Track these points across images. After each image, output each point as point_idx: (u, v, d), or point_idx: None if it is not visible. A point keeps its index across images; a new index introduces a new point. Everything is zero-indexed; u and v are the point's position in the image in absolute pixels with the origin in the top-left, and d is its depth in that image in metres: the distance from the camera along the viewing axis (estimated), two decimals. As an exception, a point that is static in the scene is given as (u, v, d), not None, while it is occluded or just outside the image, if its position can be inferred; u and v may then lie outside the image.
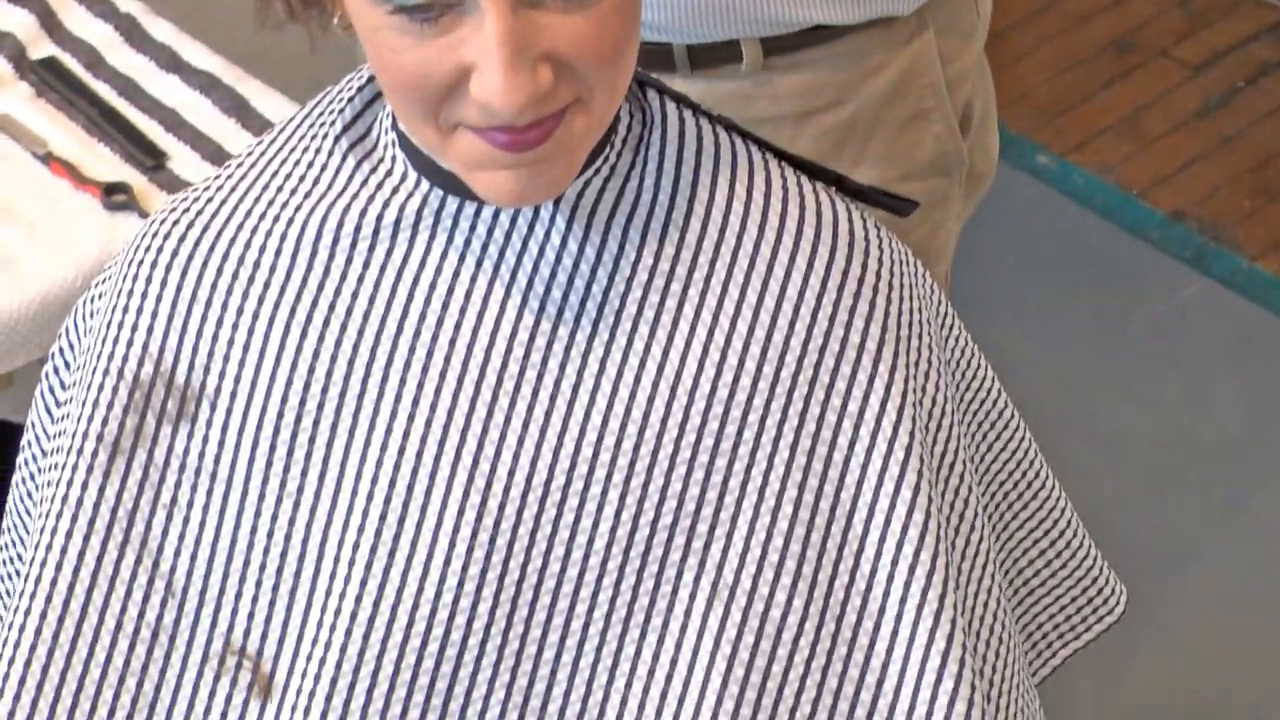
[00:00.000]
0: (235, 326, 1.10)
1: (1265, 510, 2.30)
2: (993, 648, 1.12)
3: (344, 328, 1.09)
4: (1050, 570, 1.27)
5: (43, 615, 1.09)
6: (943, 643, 1.07)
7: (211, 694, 1.10)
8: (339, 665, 1.06)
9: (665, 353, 1.08)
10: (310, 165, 1.12)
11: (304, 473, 1.09)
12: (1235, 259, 2.62)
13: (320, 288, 1.09)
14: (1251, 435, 2.38)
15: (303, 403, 1.09)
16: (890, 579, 1.07)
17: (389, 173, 1.10)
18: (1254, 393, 2.44)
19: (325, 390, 1.08)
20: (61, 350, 1.19)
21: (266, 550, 1.09)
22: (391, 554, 1.06)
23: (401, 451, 1.07)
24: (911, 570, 1.07)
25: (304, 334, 1.09)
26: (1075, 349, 2.50)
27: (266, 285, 1.10)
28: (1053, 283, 2.60)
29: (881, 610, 1.07)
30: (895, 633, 1.07)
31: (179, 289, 1.11)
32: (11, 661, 1.09)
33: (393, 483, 1.07)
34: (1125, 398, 2.44)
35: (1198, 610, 2.19)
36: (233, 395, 1.10)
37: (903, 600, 1.07)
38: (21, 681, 1.09)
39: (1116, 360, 2.49)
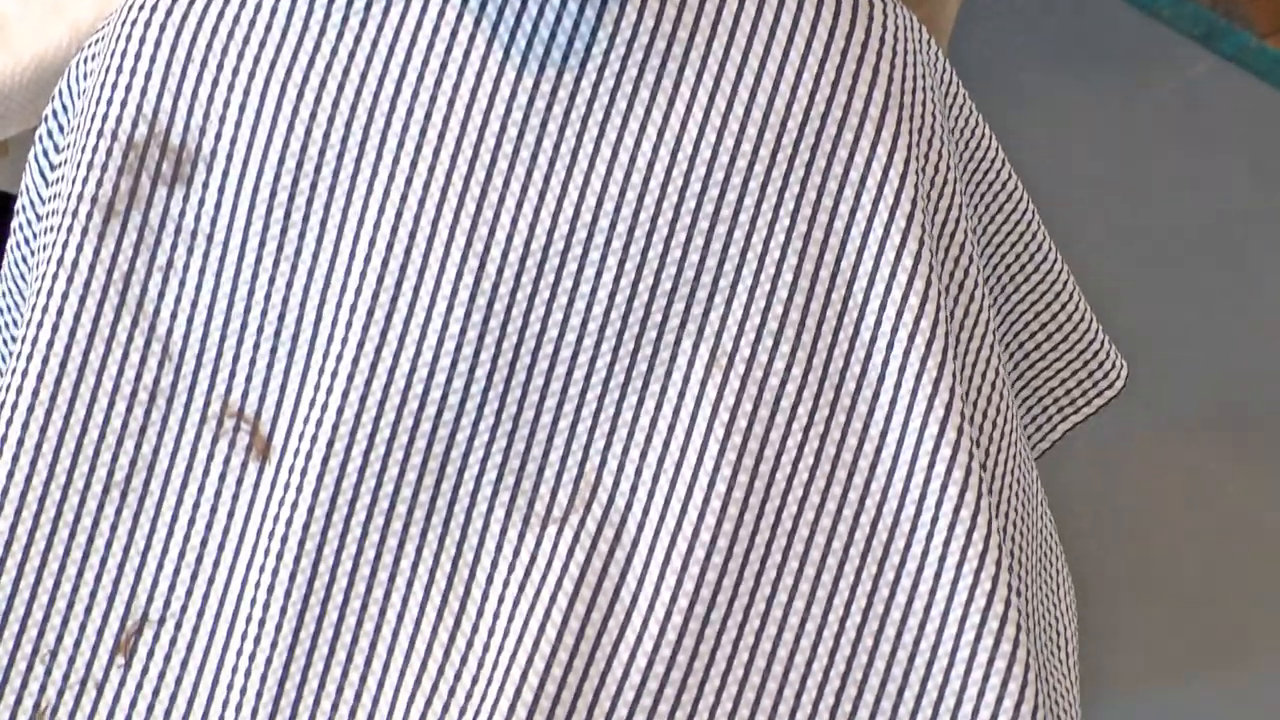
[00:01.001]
0: (231, 87, 1.09)
1: (1272, 286, 2.29)
2: (990, 418, 1.12)
3: (341, 87, 1.07)
4: (1051, 343, 1.27)
5: (40, 376, 1.09)
6: (941, 410, 1.07)
7: (210, 456, 1.10)
8: (336, 427, 1.06)
9: (665, 117, 1.06)
10: None
11: (301, 234, 1.08)
12: (1245, 36, 2.59)
13: (317, 46, 1.08)
14: (1260, 212, 2.37)
15: (299, 164, 1.08)
16: (890, 346, 1.07)
17: None
18: (1261, 171, 2.42)
19: (322, 151, 1.07)
20: (55, 112, 1.17)
21: (264, 312, 1.09)
22: (390, 314, 1.06)
23: (400, 211, 1.06)
24: (911, 338, 1.07)
25: (300, 94, 1.08)
26: (1079, 130, 2.48)
27: (262, 44, 1.08)
28: (1056, 62, 2.57)
29: (880, 377, 1.07)
30: (894, 400, 1.07)
31: (173, 49, 1.10)
32: (9, 423, 1.09)
33: (391, 243, 1.06)
34: (1131, 178, 2.42)
35: (1198, 391, 2.19)
36: (229, 157, 1.08)
37: (902, 368, 1.07)
38: (20, 442, 1.09)
39: (1121, 141, 2.47)
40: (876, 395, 1.07)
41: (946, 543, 1.07)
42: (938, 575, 1.07)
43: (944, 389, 1.07)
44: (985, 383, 1.12)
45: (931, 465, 1.07)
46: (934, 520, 1.07)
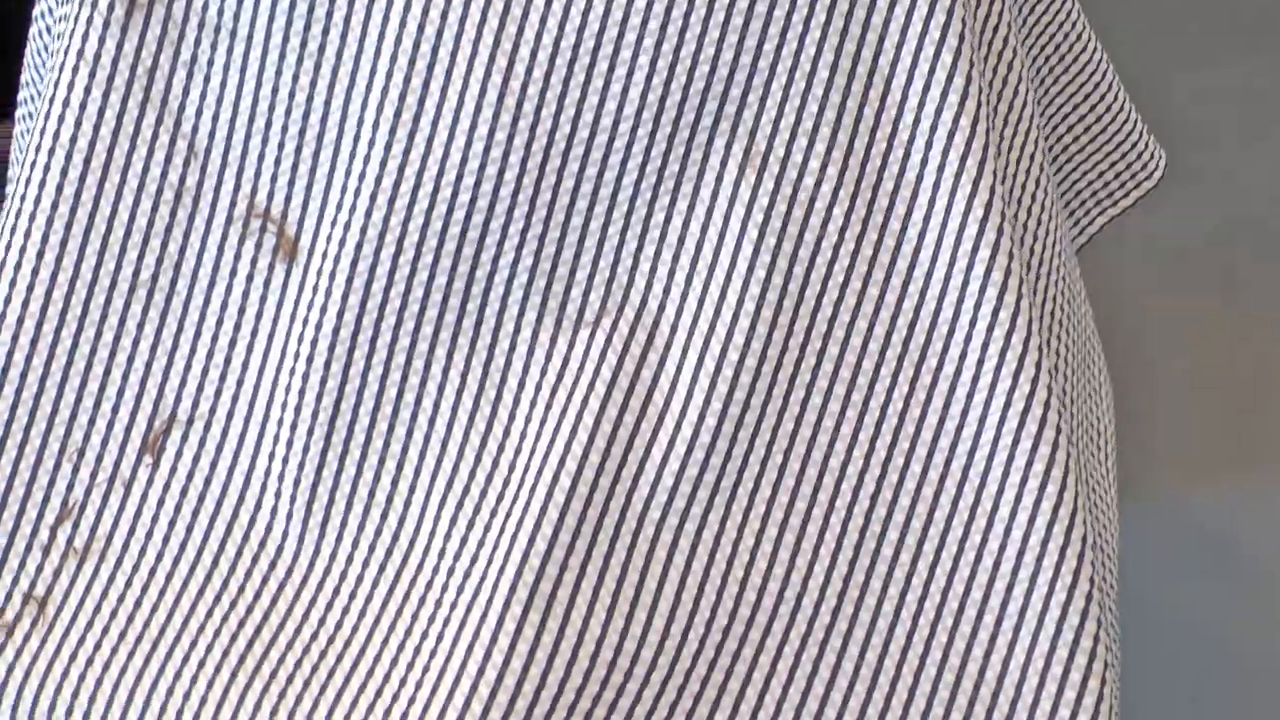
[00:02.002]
0: None
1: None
2: (1034, 215, 1.10)
3: None
4: (1090, 135, 1.24)
5: (63, 172, 1.07)
6: (980, 210, 1.05)
7: (236, 256, 1.08)
8: (365, 229, 1.05)
9: None
10: None
11: (325, 32, 1.05)
12: None
13: None
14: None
15: None
16: (929, 144, 1.05)
17: None
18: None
19: None
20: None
21: (288, 111, 1.07)
22: (417, 115, 1.04)
23: (426, 9, 1.04)
24: (951, 135, 1.05)
25: None
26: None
27: None
28: None
29: (919, 176, 1.05)
30: (933, 199, 1.05)
31: None
32: (33, 218, 1.07)
33: (418, 41, 1.04)
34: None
35: (1235, 163, 2.16)
36: None
37: (941, 166, 1.05)
38: (45, 239, 1.07)
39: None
40: (915, 194, 1.05)
41: (985, 344, 1.05)
42: (976, 375, 1.05)
43: (984, 188, 1.05)
44: (1030, 179, 1.10)
45: (970, 266, 1.05)
46: (973, 321, 1.05)
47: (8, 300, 1.08)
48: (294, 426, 1.07)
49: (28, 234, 1.08)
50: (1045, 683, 1.04)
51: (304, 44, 1.06)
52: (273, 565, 1.07)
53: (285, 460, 1.07)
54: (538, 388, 1.06)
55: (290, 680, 1.04)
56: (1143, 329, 1.89)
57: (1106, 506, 1.16)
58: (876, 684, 1.05)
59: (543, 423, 1.06)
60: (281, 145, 1.07)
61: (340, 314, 1.06)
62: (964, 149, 1.05)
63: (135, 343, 1.09)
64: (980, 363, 1.05)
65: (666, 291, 1.06)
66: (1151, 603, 1.61)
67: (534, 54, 1.03)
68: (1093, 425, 1.17)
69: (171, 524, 1.09)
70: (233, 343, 1.09)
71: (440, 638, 1.03)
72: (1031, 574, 1.05)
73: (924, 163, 1.05)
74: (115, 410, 1.09)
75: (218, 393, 1.09)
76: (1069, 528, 1.05)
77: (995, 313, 1.05)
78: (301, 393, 1.07)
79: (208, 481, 1.09)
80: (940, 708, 1.05)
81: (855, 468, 1.06)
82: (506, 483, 1.06)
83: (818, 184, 1.05)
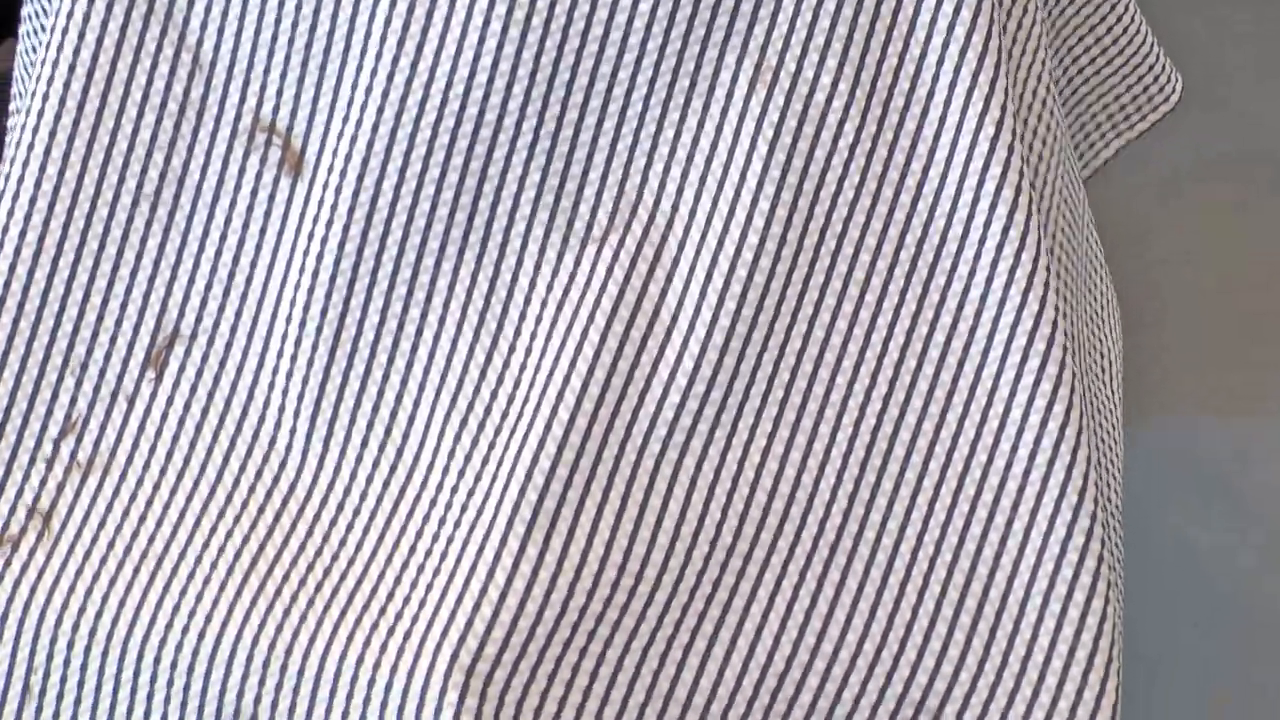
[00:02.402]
0: None
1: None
2: (1039, 135, 1.09)
3: None
4: (1106, 57, 1.23)
5: (67, 86, 1.06)
6: (992, 128, 1.04)
7: (241, 170, 1.08)
8: (371, 143, 1.04)
9: None
10: None
11: None
12: None
13: None
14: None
15: None
16: (940, 61, 1.04)
17: None
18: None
19: None
20: None
21: (294, 25, 1.06)
22: (425, 26, 1.03)
23: None
24: (962, 53, 1.04)
25: None
26: None
27: None
28: None
29: (930, 93, 1.04)
30: (943, 117, 1.04)
31: None
32: (36, 130, 1.07)
33: None
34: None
35: (1251, 98, 2.15)
36: None
37: (952, 84, 1.04)
38: (48, 151, 1.07)
39: None
40: (925, 112, 1.04)
41: (995, 263, 1.05)
42: (984, 297, 1.05)
43: (995, 106, 1.04)
44: (1036, 100, 1.09)
45: (981, 184, 1.04)
46: (982, 240, 1.05)
47: (10, 214, 1.08)
48: (298, 343, 1.07)
49: (31, 148, 1.07)
50: (1048, 604, 1.04)
51: None
52: (275, 482, 1.07)
53: (289, 376, 1.07)
54: (543, 305, 1.06)
55: (294, 599, 1.04)
56: (1153, 256, 1.88)
57: (1111, 429, 1.16)
58: (875, 614, 1.04)
59: (546, 345, 1.05)
60: (287, 58, 1.06)
61: (346, 228, 1.05)
62: (975, 67, 1.04)
63: (139, 257, 1.09)
64: (989, 283, 1.05)
65: (675, 209, 1.05)
66: (1155, 529, 1.60)
67: None
68: (1095, 348, 1.17)
69: (175, 439, 1.08)
70: (237, 258, 1.09)
71: (442, 559, 1.03)
72: (1035, 496, 1.05)
73: (935, 79, 1.04)
74: (118, 325, 1.09)
75: (221, 308, 1.09)
76: (1073, 449, 1.04)
77: (1005, 231, 1.04)
78: (306, 308, 1.06)
79: (210, 397, 1.08)
80: (941, 634, 1.04)
81: (858, 399, 1.05)
82: (510, 405, 1.05)
83: (828, 100, 1.04)
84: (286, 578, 1.05)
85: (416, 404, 1.06)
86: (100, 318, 1.08)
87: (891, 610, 1.05)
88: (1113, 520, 1.10)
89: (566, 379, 1.03)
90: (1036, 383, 1.05)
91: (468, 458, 1.05)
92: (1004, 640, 1.04)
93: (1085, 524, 1.04)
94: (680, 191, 1.05)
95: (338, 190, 1.05)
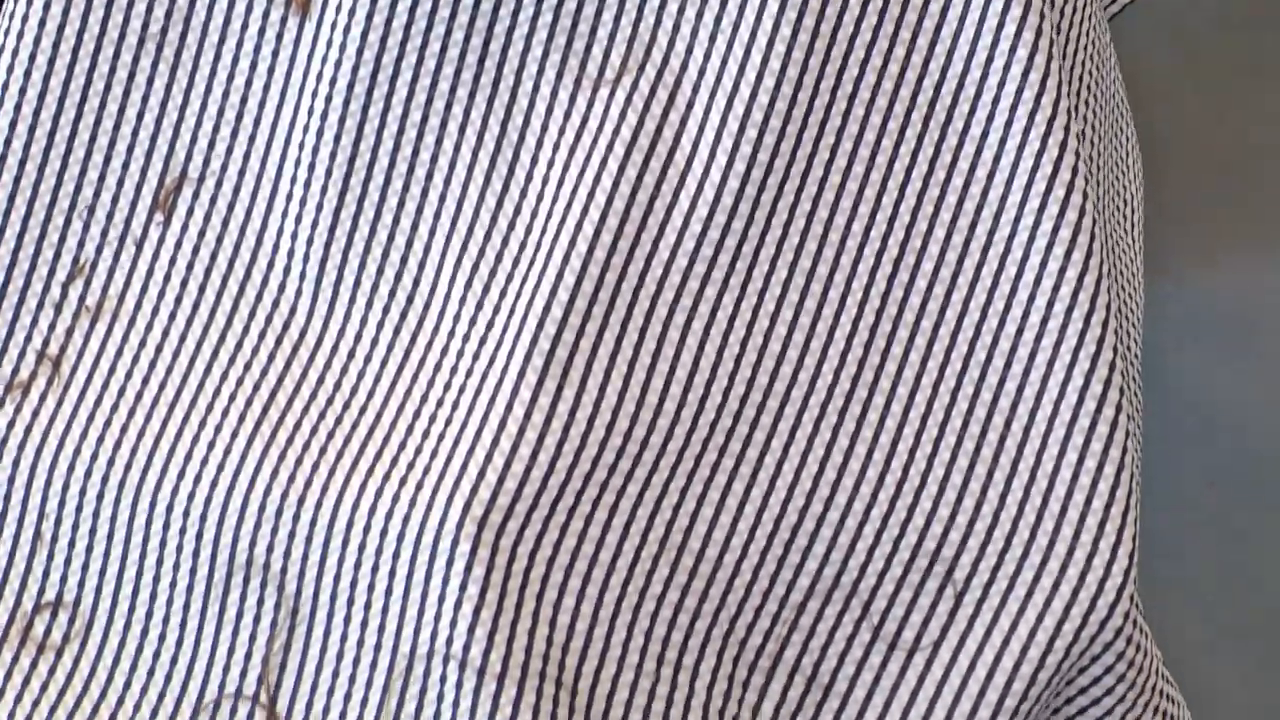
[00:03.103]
0: None
1: None
2: None
3: None
4: None
5: None
6: None
7: (248, 9, 1.06)
8: None
9: None
10: None
11: None
12: None
13: None
14: None
15: None
16: None
17: None
18: None
19: None
20: None
21: None
22: None
23: None
24: None
25: None
26: None
27: None
28: None
29: None
30: None
31: None
32: None
33: None
34: None
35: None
36: None
37: None
38: (46, 6, 1.06)
39: None
40: None
41: (1014, 107, 1.03)
42: (1004, 138, 1.03)
43: None
44: None
45: (1001, 27, 1.02)
46: (1001, 84, 1.03)
47: (15, 56, 1.06)
48: (307, 184, 1.05)
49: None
50: (1066, 451, 1.03)
51: None
52: (285, 328, 1.06)
53: (299, 219, 1.06)
54: (556, 145, 1.04)
55: (305, 448, 1.03)
56: (1171, 108, 1.86)
57: (1132, 276, 1.14)
58: (894, 454, 1.03)
59: (561, 181, 1.04)
60: None
61: (355, 69, 1.04)
62: None
63: (144, 99, 1.07)
64: (1008, 124, 1.03)
65: (689, 50, 1.04)
66: (1171, 383, 1.59)
67: None
68: (1119, 194, 1.15)
69: (184, 284, 1.07)
70: (244, 99, 1.07)
71: (457, 402, 1.02)
72: (1054, 342, 1.03)
73: None
74: (125, 168, 1.07)
75: (229, 150, 1.07)
76: (1093, 296, 1.03)
77: (1025, 74, 1.03)
78: (315, 149, 1.05)
79: (220, 241, 1.07)
80: (959, 477, 1.04)
81: (877, 236, 1.04)
82: (524, 242, 1.04)
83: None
84: (298, 426, 1.04)
85: (428, 247, 1.05)
86: (107, 160, 1.07)
87: (909, 453, 1.04)
88: (1132, 369, 1.09)
89: (581, 215, 1.02)
90: (1056, 227, 1.03)
91: (480, 298, 1.04)
92: (1020, 487, 1.03)
93: (1104, 372, 1.03)
94: (695, 33, 1.03)
95: (346, 30, 1.03)
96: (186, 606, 1.03)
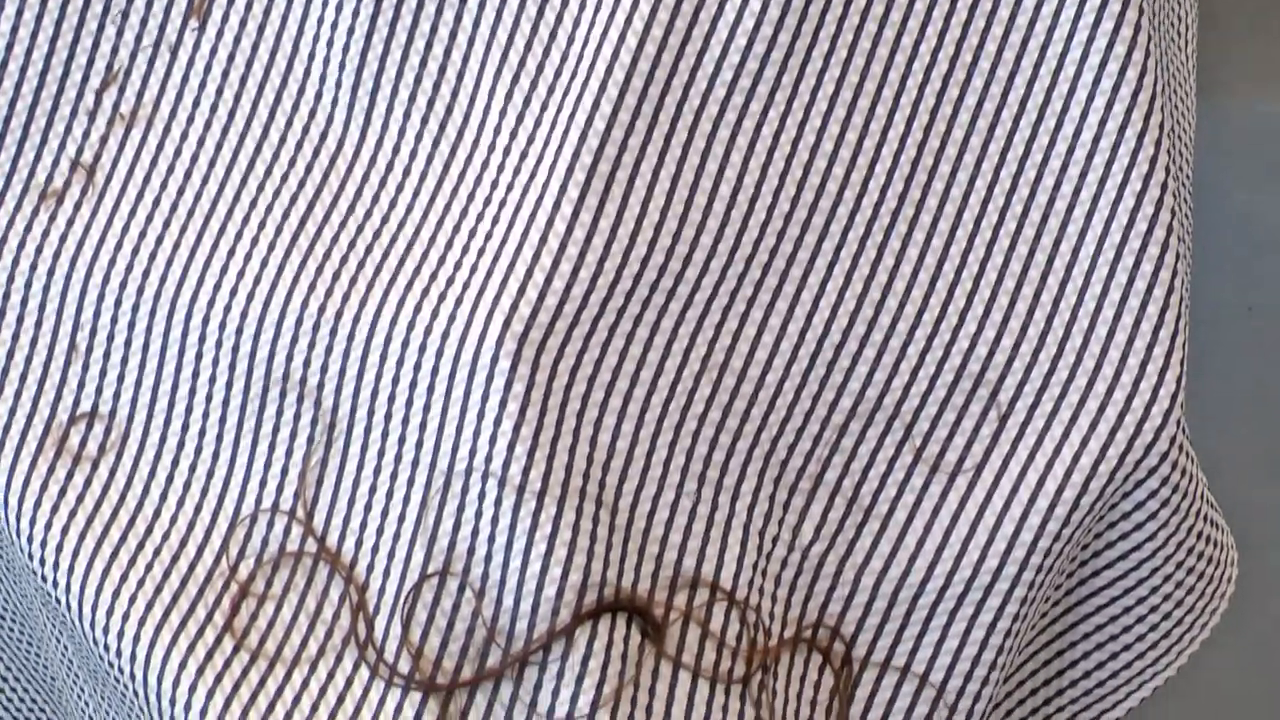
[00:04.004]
0: None
1: None
2: None
3: None
4: None
5: None
6: None
7: None
8: None
9: None
10: None
11: None
12: None
13: None
14: None
15: None
16: None
17: None
18: None
19: None
20: None
21: None
22: None
23: None
24: None
25: None
26: None
27: None
28: None
29: None
30: None
31: None
32: None
33: None
34: None
35: None
36: None
37: None
38: None
39: None
40: None
41: None
42: None
43: None
44: None
45: None
46: None
47: None
48: None
49: None
50: (1115, 274, 1.01)
51: None
52: (324, 134, 1.05)
53: (335, 25, 1.04)
54: None
55: (344, 262, 1.02)
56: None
57: (1185, 95, 1.12)
58: (936, 283, 1.02)
59: (599, 3, 1.02)
60: None
61: None
62: None
63: None
64: None
65: None
66: (1218, 208, 1.57)
67: None
68: (1174, 10, 1.12)
69: (219, 91, 1.05)
70: None
71: (497, 216, 1.01)
72: (1105, 162, 1.01)
73: None
74: None
75: None
76: (1147, 113, 1.01)
77: None
78: None
79: (255, 47, 1.05)
80: (1005, 299, 1.02)
81: (920, 70, 1.02)
82: (565, 54, 1.02)
83: None
84: (335, 238, 1.03)
85: (468, 55, 1.03)
86: None
87: (953, 279, 1.02)
88: (1183, 190, 1.07)
89: (627, 25, 1.00)
90: (1110, 44, 1.01)
91: (522, 112, 1.02)
92: (1067, 309, 1.02)
93: (1155, 194, 1.01)
94: None
95: None
96: (223, 420, 1.02)
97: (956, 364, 1.02)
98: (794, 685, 1.00)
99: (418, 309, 0.99)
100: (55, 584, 1.00)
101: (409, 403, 0.98)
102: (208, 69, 1.05)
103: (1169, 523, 1.03)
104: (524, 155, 1.01)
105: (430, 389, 0.98)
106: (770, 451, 1.01)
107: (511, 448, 0.95)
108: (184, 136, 1.05)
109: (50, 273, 1.05)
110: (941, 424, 1.02)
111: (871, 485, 1.02)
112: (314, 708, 0.95)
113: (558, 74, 1.02)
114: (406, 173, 1.03)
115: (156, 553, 1.00)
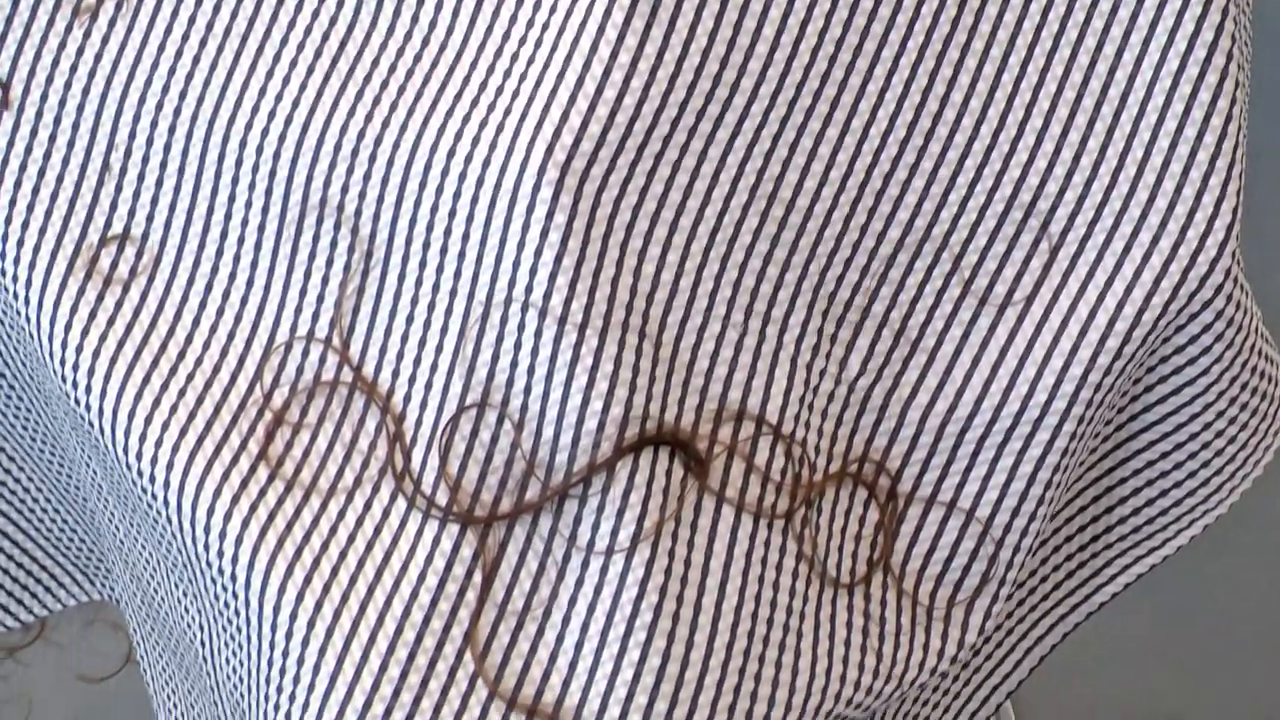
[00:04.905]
0: None
1: None
2: None
3: None
4: None
5: None
6: None
7: None
8: None
9: None
10: None
11: None
12: None
13: None
14: None
15: None
16: None
17: None
18: None
19: None
20: None
21: None
22: None
23: None
24: None
25: None
26: None
27: None
28: None
29: None
30: None
31: None
32: None
33: None
34: None
35: None
36: None
37: None
38: None
39: None
40: None
41: None
42: None
43: None
44: None
45: None
46: None
47: None
48: None
49: None
50: (1172, 101, 0.99)
51: None
52: None
53: None
54: None
55: (384, 83, 0.99)
56: None
57: None
58: (991, 101, 0.99)
59: None
60: None
61: None
62: None
63: None
64: None
65: None
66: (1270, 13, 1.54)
67: None
68: None
69: None
70: None
71: (540, 40, 0.98)
72: None
73: None
74: None
75: None
76: None
77: None
78: None
79: None
80: (1058, 126, 0.99)
81: None
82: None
83: None
84: (375, 62, 1.00)
85: None
86: None
87: (1005, 106, 0.99)
88: (1244, 16, 1.04)
89: None
90: None
91: None
92: (1122, 136, 0.99)
93: (1216, 18, 0.98)
94: None
95: None
96: (258, 245, 1.00)
97: (1008, 194, 0.99)
98: (838, 520, 0.99)
99: (459, 136, 0.97)
100: (87, 408, 0.98)
101: (448, 231, 0.96)
102: None
103: (1222, 357, 1.01)
104: None
105: (470, 217, 0.96)
106: (818, 283, 0.99)
107: (553, 278, 0.93)
108: None
109: (85, 91, 1.02)
110: (991, 255, 1.00)
111: (919, 317, 1.00)
112: (350, 538, 0.94)
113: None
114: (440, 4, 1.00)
115: (189, 378, 0.99)
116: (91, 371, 0.99)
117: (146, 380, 0.98)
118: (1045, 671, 1.16)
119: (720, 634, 0.92)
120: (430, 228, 0.97)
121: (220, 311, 1.00)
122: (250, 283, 1.00)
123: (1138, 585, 1.10)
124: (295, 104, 0.99)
